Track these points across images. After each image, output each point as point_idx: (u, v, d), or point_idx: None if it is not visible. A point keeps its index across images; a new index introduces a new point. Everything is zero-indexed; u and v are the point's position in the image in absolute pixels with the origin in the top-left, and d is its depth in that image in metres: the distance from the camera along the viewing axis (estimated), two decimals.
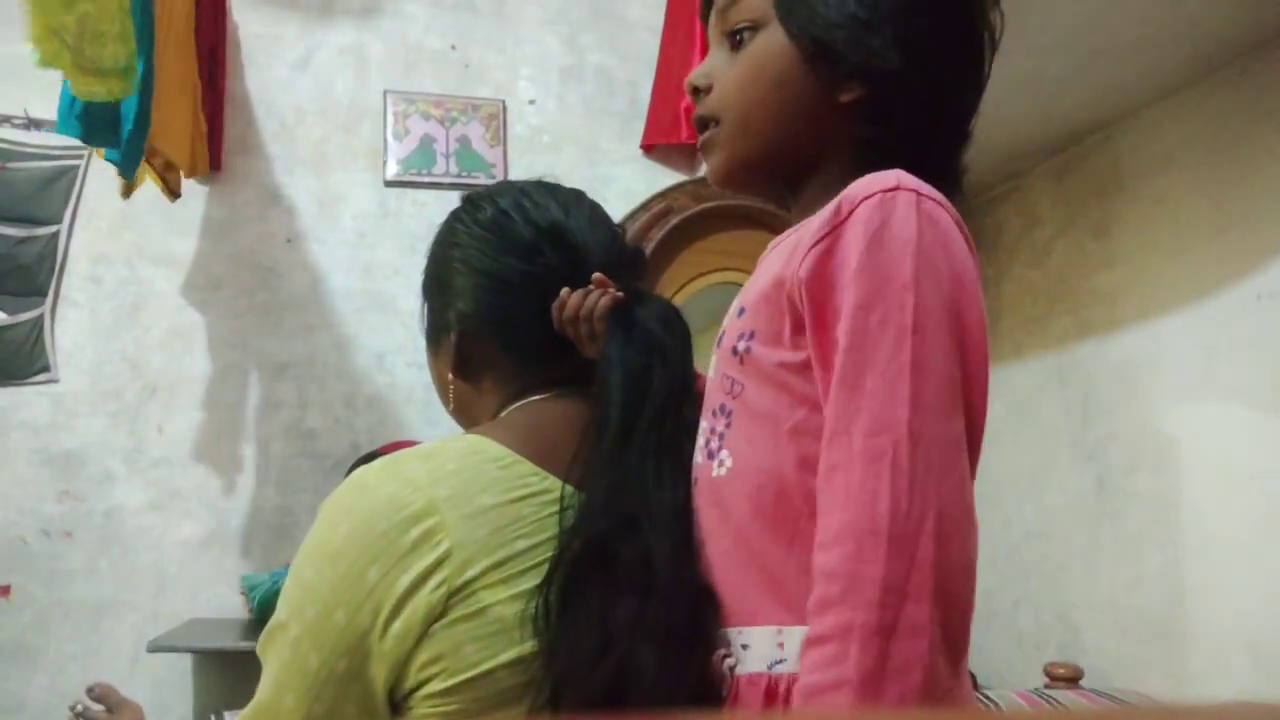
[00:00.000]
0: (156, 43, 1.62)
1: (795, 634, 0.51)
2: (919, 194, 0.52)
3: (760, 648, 0.53)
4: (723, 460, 0.58)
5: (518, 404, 0.70)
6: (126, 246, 2.16)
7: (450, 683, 0.56)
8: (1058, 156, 2.00)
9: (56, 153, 2.10)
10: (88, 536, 2.05)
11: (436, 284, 0.74)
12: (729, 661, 0.54)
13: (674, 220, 2.21)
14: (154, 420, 2.11)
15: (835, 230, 0.53)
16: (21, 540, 2.02)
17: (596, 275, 0.67)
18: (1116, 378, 1.85)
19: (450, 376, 0.73)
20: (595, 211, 0.74)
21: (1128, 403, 1.82)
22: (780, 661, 0.52)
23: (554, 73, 2.43)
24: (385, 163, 2.30)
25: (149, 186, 1.95)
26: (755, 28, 0.63)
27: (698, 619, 0.57)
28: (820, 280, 0.52)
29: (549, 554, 0.59)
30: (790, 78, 0.62)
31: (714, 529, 0.58)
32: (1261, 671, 1.50)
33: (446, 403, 0.75)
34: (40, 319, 2.10)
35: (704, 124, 0.66)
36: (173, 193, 2.01)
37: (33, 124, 2.06)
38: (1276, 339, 1.50)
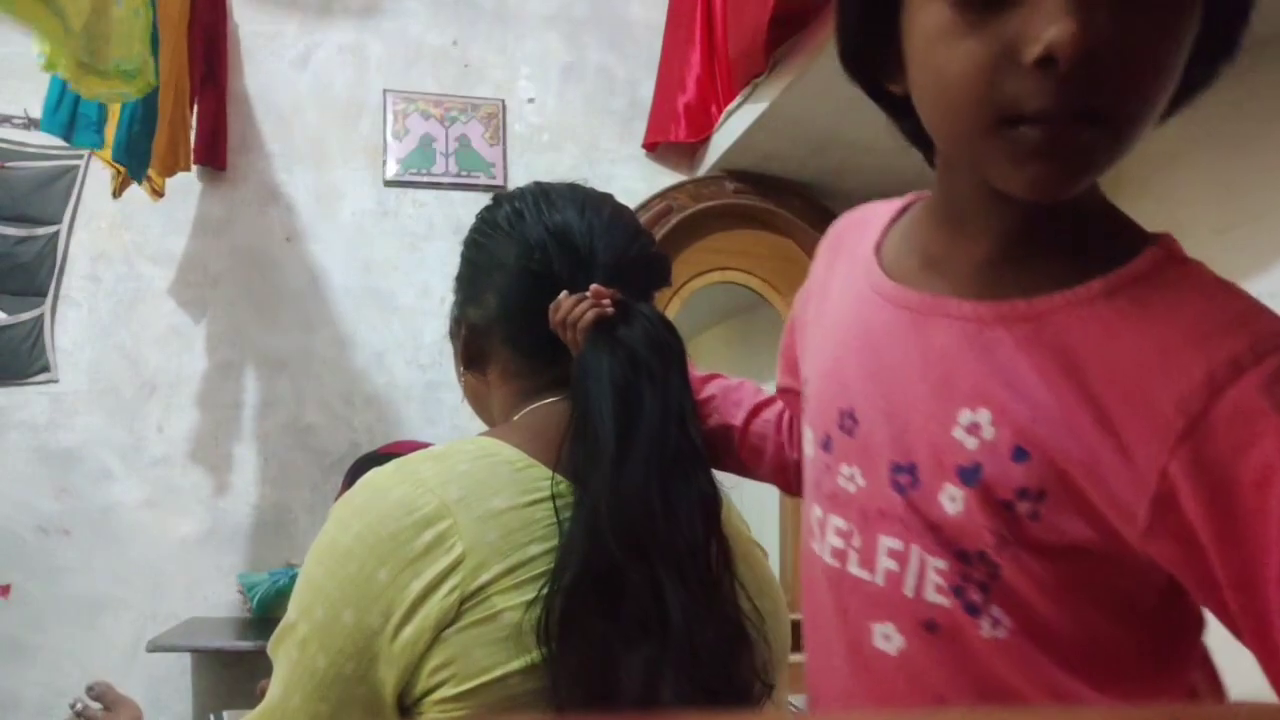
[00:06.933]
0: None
1: None
2: None
3: None
4: (997, 619, 0.47)
5: (532, 406, 0.70)
6: (126, 245, 2.16)
7: (461, 688, 0.55)
8: None
9: (56, 153, 2.09)
10: (85, 534, 2.05)
11: (457, 278, 0.76)
12: None
13: (674, 220, 2.21)
14: (152, 418, 2.11)
15: (1251, 390, 0.39)
16: (19, 538, 2.02)
17: (594, 286, 0.66)
18: None
19: (461, 369, 0.75)
20: (617, 216, 0.72)
21: None
22: None
23: (554, 71, 2.43)
24: (385, 162, 2.30)
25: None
26: None
27: (728, 665, 0.56)
28: (1245, 470, 0.39)
29: None
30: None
31: (942, 683, 0.49)
32: None
33: (463, 393, 0.78)
34: (40, 318, 2.10)
35: (1076, 115, 0.42)
36: (155, 193, 1.99)
37: (32, 124, 2.06)
38: None
